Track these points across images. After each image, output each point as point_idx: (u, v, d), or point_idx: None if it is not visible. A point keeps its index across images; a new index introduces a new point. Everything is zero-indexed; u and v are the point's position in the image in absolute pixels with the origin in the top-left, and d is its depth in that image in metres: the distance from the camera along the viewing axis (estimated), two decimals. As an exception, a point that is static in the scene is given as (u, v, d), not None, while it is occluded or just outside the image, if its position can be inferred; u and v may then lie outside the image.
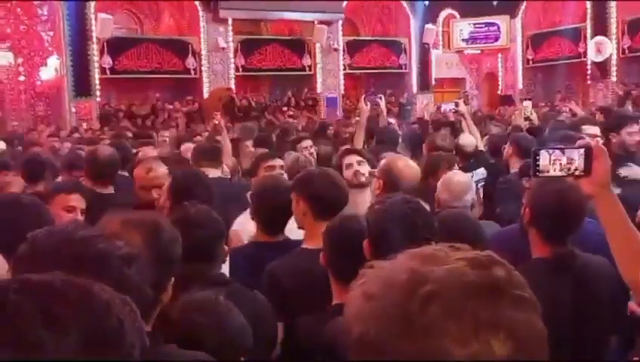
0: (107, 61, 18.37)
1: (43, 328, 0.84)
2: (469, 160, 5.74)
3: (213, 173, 4.80)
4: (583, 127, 5.01)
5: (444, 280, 0.85)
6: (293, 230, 3.27)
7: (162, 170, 4.09)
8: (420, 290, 0.84)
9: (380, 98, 7.81)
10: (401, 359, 0.83)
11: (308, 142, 6.48)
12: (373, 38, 23.27)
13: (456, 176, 3.87)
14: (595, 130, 5.01)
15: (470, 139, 6.23)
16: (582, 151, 1.97)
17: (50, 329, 0.85)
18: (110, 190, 4.49)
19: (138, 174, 4.10)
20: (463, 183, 3.74)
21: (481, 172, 5.49)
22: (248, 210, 3.72)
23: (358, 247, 2.37)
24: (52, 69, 17.92)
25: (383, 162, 3.59)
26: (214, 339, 1.95)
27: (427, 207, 2.75)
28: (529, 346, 0.85)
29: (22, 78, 18.05)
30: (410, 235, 2.37)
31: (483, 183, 5.43)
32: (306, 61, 21.39)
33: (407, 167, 3.52)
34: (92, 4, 17.95)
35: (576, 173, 1.98)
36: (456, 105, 7.09)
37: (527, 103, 8.39)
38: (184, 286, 2.13)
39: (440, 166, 4.61)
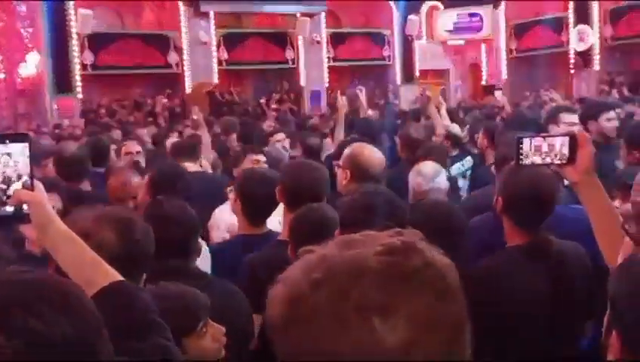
0: (88, 57, 18.21)
1: None
2: (457, 148, 5.77)
3: (191, 167, 4.80)
4: (561, 115, 4.99)
5: (338, 266, 0.85)
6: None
7: (136, 180, 4.09)
8: (313, 274, 0.85)
9: (360, 90, 7.76)
10: (295, 342, 0.85)
11: (281, 135, 6.47)
12: (356, 30, 23.21)
13: (425, 163, 3.90)
14: (574, 118, 5.00)
15: (457, 128, 6.25)
16: (565, 139, 1.99)
17: None
18: (86, 186, 4.45)
19: (113, 186, 4.06)
20: (431, 166, 3.77)
21: (468, 160, 5.52)
22: (226, 203, 3.71)
23: (322, 237, 2.34)
24: (32, 65, 17.74)
25: (347, 152, 3.54)
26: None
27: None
28: (428, 332, 0.84)
29: (1, 76, 17.88)
30: (381, 224, 2.35)
31: (470, 171, 5.46)
32: (289, 54, 21.32)
33: (374, 154, 3.48)
34: (72, -1, 17.79)
35: (561, 161, 2.00)
36: (423, 90, 7.26)
37: (498, 93, 8.45)
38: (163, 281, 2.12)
39: (431, 155, 4.62)
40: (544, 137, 2.05)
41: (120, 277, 1.58)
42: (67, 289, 1.00)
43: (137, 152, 5.62)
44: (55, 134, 10.99)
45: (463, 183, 5.37)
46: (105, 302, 1.50)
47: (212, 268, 3.08)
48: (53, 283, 1.00)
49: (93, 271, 1.54)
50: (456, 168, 5.37)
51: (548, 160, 2.01)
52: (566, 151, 1.98)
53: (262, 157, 4.61)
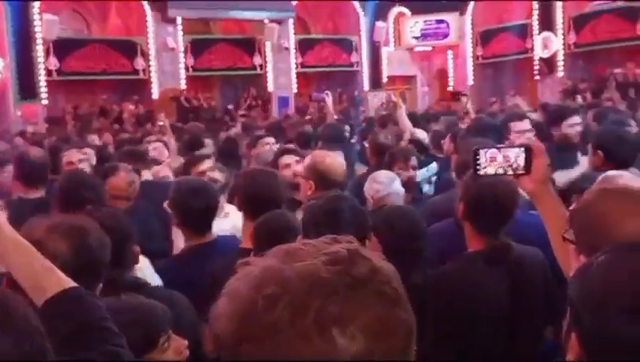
0: (53, 63, 17.95)
1: None
2: (423, 154, 5.79)
3: (144, 175, 4.73)
4: (511, 124, 5.03)
5: (292, 279, 0.85)
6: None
7: (137, 180, 4.06)
8: (266, 290, 0.84)
9: (327, 95, 7.77)
10: (251, 358, 0.83)
11: (270, 139, 6.43)
12: (324, 37, 23.27)
13: (379, 171, 3.94)
14: (524, 124, 5.06)
15: (423, 133, 6.29)
16: (521, 149, 2.05)
17: None
18: (41, 193, 4.35)
19: (119, 184, 3.97)
20: (385, 174, 3.81)
21: (434, 166, 5.55)
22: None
23: (286, 243, 2.35)
24: (-4, 71, 17.50)
25: (308, 161, 3.53)
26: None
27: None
28: (385, 340, 0.85)
29: (-36, 82, 17.59)
30: (341, 231, 2.36)
31: (435, 177, 5.48)
32: (257, 60, 21.28)
33: (335, 162, 3.49)
34: (36, 4, 17.53)
35: (517, 171, 2.05)
36: (390, 95, 7.31)
37: (464, 99, 8.57)
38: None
39: (395, 162, 4.65)
40: (499, 148, 2.09)
41: (73, 284, 1.57)
42: (9, 305, 0.99)
43: (80, 160, 5.34)
44: (12, 140, 10.75)
45: (428, 188, 5.39)
46: (55, 309, 1.49)
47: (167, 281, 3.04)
48: None
49: (44, 279, 1.53)
50: (421, 174, 5.39)
51: (504, 170, 2.06)
52: (522, 161, 2.03)
53: (207, 164, 4.51)
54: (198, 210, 3.14)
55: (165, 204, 3.29)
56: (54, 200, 3.29)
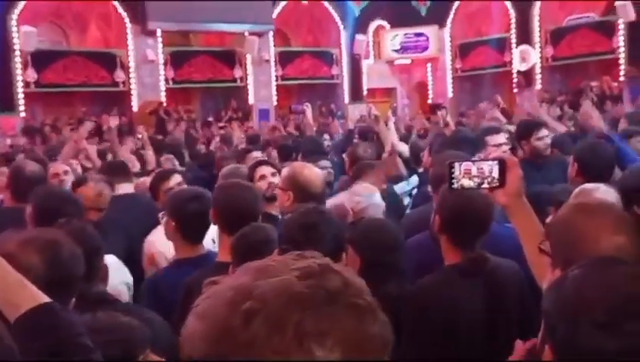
0: (31, 75, 17.84)
1: None
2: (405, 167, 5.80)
3: (125, 188, 4.70)
4: (487, 138, 5.06)
5: (268, 294, 0.85)
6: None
7: (108, 191, 3.99)
8: (242, 306, 0.84)
9: (307, 106, 7.77)
10: None
11: (257, 153, 6.41)
12: (304, 49, 23.35)
13: (359, 184, 3.93)
14: (500, 138, 5.09)
15: (405, 147, 6.30)
16: (495, 163, 2.06)
17: None
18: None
19: (88, 195, 3.95)
20: (365, 186, 3.82)
21: (413, 180, 5.56)
22: (159, 227, 3.64)
23: (255, 259, 2.35)
24: (-27, 83, 17.35)
25: (286, 172, 3.54)
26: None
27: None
28: (360, 352, 0.85)
29: (-59, 93, 17.42)
30: (319, 244, 2.36)
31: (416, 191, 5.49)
32: (238, 73, 21.30)
33: (313, 173, 3.49)
34: (14, 15, 17.44)
35: (491, 184, 2.06)
36: (370, 109, 7.25)
37: (442, 111, 8.63)
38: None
39: (365, 173, 4.64)
40: (474, 161, 2.12)
41: (46, 299, 1.56)
42: None
43: (65, 172, 5.31)
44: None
45: (408, 201, 5.40)
46: (28, 324, 1.47)
47: (154, 297, 3.02)
48: None
49: (17, 294, 1.51)
50: (400, 187, 5.41)
51: (478, 184, 2.07)
52: (496, 174, 2.05)
53: (176, 179, 4.46)
54: (194, 216, 3.12)
55: (161, 214, 3.30)
56: (29, 215, 3.25)
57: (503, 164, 2.06)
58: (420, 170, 5.88)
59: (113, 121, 6.89)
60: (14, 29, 17.37)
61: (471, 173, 2.04)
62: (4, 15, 17.24)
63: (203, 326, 0.86)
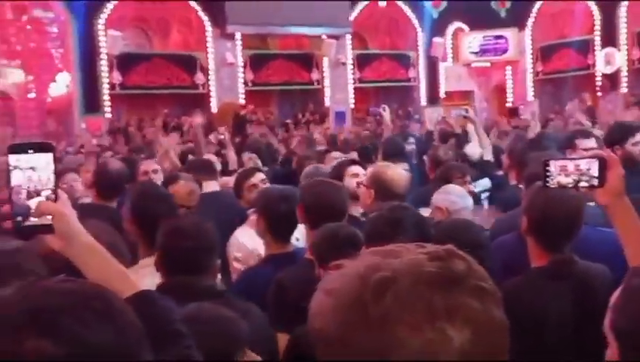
0: (116, 77, 18.48)
1: None
2: (473, 170, 5.70)
3: (210, 186, 4.79)
4: (577, 140, 4.88)
5: (399, 270, 0.86)
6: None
7: (197, 189, 4.17)
8: (373, 281, 0.85)
9: (384, 109, 7.72)
10: (360, 350, 0.84)
11: (337, 154, 6.45)
12: (381, 52, 23.31)
13: (454, 185, 3.95)
14: (590, 142, 4.89)
15: (474, 149, 6.20)
16: (594, 161, 1.97)
17: None
18: (113, 204, 4.46)
19: (179, 193, 4.06)
20: (460, 189, 3.84)
21: (483, 183, 5.46)
22: (245, 224, 3.71)
23: (343, 254, 2.36)
24: (62, 85, 18.07)
25: (370, 171, 3.59)
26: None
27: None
28: (487, 334, 0.86)
29: (32, 95, 18.21)
30: (405, 240, 2.36)
31: (487, 194, 5.39)
32: (315, 75, 21.44)
33: (397, 174, 3.51)
34: (101, 21, 18.10)
35: (590, 183, 1.98)
36: (467, 110, 7.11)
37: (528, 114, 8.44)
38: (172, 299, 2.12)
39: (451, 176, 4.61)
40: (571, 159, 2.03)
41: (146, 288, 1.61)
42: (111, 298, 1.02)
43: (154, 171, 5.51)
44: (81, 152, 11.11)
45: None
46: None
47: (246, 292, 3.08)
48: (98, 292, 1.01)
49: (118, 283, 1.56)
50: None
51: (576, 182, 1.99)
52: (595, 173, 1.96)
53: (259, 176, 4.56)
54: (284, 215, 3.19)
55: (249, 212, 3.37)
56: (126, 212, 3.34)
57: (602, 162, 1.96)
58: (500, 172, 5.80)
59: (198, 119, 7.05)
60: (101, 33, 18.02)
61: (567, 171, 1.97)
62: (92, 20, 17.90)
63: (333, 301, 0.88)
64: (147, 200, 3.28)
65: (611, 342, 1.44)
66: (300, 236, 3.39)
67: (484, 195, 5.33)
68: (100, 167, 4.82)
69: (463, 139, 7.18)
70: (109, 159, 5.59)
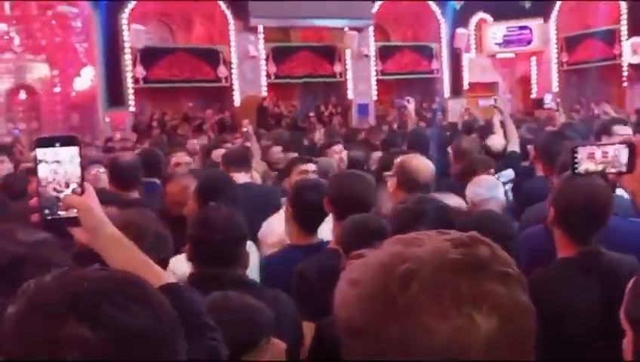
0: (140, 71, 18.60)
1: None
2: (496, 161, 5.67)
3: (242, 178, 4.83)
4: (615, 127, 4.88)
5: (424, 258, 0.86)
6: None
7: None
8: (398, 270, 0.85)
9: (408, 101, 7.69)
10: (387, 340, 0.84)
11: (339, 147, 6.46)
12: (404, 44, 23.20)
13: (485, 176, 3.95)
14: (627, 130, 4.90)
15: (498, 140, 6.16)
16: (621, 146, 1.95)
17: None
18: (135, 195, 4.52)
19: (171, 191, 4.12)
20: (491, 179, 3.85)
21: (507, 174, 5.42)
22: (280, 212, 3.74)
23: (369, 245, 2.36)
24: (86, 79, 18.23)
25: (396, 161, 3.60)
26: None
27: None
28: (514, 319, 0.86)
29: (57, 89, 18.40)
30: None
31: (511, 185, 5.35)
32: (337, 68, 21.41)
33: (422, 164, 3.51)
34: (125, 15, 18.22)
35: (618, 169, 1.96)
36: (495, 100, 7.08)
37: (554, 104, 8.36)
38: (202, 289, 2.14)
39: (476, 168, 4.60)
40: (598, 145, 2.02)
41: (171, 279, 1.62)
42: (146, 285, 1.03)
43: (186, 163, 5.60)
44: (106, 147, 11.22)
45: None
46: None
47: (264, 279, 3.11)
48: (134, 279, 1.03)
49: (144, 274, 1.57)
50: None
51: (603, 168, 1.97)
52: (624, 159, 1.94)
53: (311, 167, 4.62)
54: (309, 205, 3.21)
55: (284, 200, 3.43)
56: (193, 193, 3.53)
57: (632, 148, 1.93)
58: (526, 163, 5.75)
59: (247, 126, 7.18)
60: (125, 27, 18.14)
61: (595, 157, 1.95)
62: (116, 14, 18.02)
63: (358, 292, 0.88)
64: (212, 182, 3.60)
65: (627, 329, 1.43)
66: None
67: (507, 186, 5.30)
68: (111, 161, 4.90)
69: (486, 130, 7.13)
70: (119, 153, 5.68)
